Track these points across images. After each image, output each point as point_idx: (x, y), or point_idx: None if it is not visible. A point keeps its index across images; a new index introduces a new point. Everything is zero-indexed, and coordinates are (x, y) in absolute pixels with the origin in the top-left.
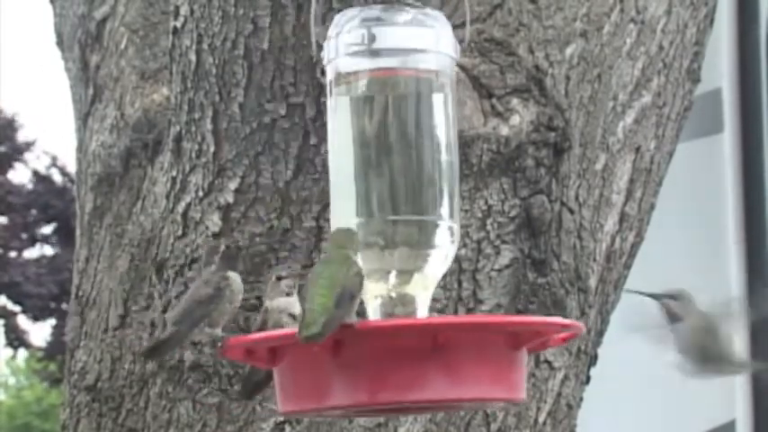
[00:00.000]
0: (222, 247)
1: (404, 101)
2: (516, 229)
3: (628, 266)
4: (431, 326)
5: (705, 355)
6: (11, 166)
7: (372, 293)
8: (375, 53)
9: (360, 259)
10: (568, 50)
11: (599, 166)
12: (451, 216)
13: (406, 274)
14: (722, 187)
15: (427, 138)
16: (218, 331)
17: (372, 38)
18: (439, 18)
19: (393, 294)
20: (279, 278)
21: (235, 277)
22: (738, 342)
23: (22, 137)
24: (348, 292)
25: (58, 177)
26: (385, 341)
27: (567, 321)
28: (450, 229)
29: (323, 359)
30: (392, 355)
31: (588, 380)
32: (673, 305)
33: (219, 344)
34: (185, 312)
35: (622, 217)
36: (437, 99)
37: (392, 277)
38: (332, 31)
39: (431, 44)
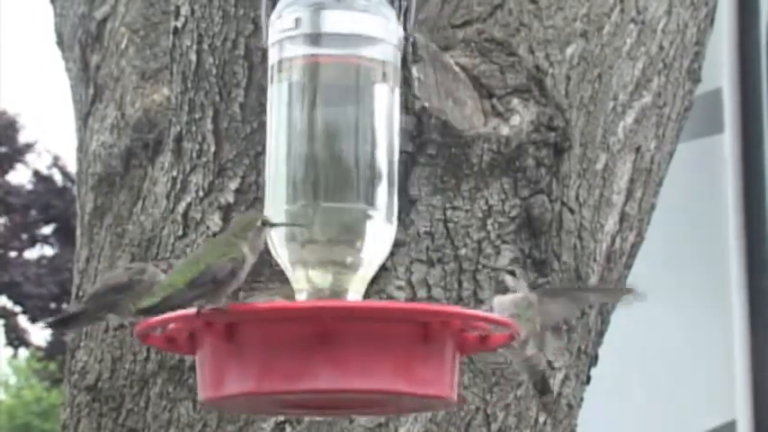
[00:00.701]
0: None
1: (340, 89)
2: (517, 229)
3: (628, 266)
4: (316, 309)
5: None
6: (12, 167)
7: (303, 284)
8: (316, 39)
9: (255, 247)
10: (569, 50)
11: (599, 166)
12: (389, 209)
13: (335, 265)
14: (722, 187)
15: (363, 127)
16: (128, 319)
17: (313, 23)
18: (383, 5)
19: (324, 286)
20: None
21: (154, 271)
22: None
23: (23, 138)
24: (210, 274)
25: (58, 177)
26: (272, 326)
27: (484, 314)
28: (386, 220)
29: (220, 346)
30: (278, 342)
31: (589, 380)
32: (507, 279)
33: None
34: (96, 294)
35: (623, 217)
36: (379, 88)
37: (321, 267)
38: (274, 15)
39: (375, 32)
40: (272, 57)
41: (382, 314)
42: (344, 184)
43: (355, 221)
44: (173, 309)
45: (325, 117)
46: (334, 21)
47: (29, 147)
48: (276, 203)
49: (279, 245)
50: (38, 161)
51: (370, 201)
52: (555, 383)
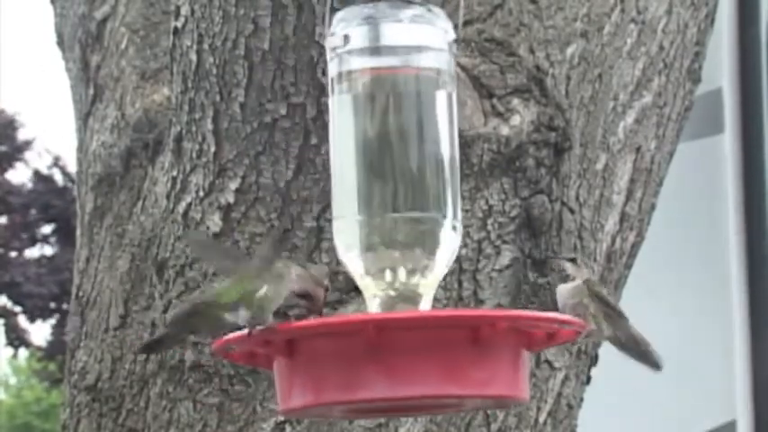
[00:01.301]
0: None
1: (405, 99)
2: (517, 229)
3: (628, 266)
4: (361, 323)
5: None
6: (11, 166)
7: (372, 292)
8: (376, 51)
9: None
10: (569, 50)
11: (599, 166)
12: (454, 214)
13: (407, 273)
14: (722, 187)
15: (429, 135)
16: (207, 340)
17: (373, 36)
18: (440, 15)
19: (396, 293)
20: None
21: None
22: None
23: (22, 136)
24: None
25: (59, 177)
26: (321, 340)
27: (529, 314)
28: (454, 227)
29: (283, 361)
30: (331, 354)
31: (589, 380)
32: (567, 266)
33: (204, 347)
34: (177, 319)
35: (623, 217)
36: (439, 97)
37: (395, 275)
38: (333, 29)
39: (432, 41)
40: (332, 69)
41: (426, 323)
42: (416, 193)
43: (427, 230)
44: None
45: (392, 127)
46: (392, 33)
47: (28, 144)
48: (347, 215)
49: (346, 253)
50: (38, 161)
51: (440, 208)
52: (555, 384)
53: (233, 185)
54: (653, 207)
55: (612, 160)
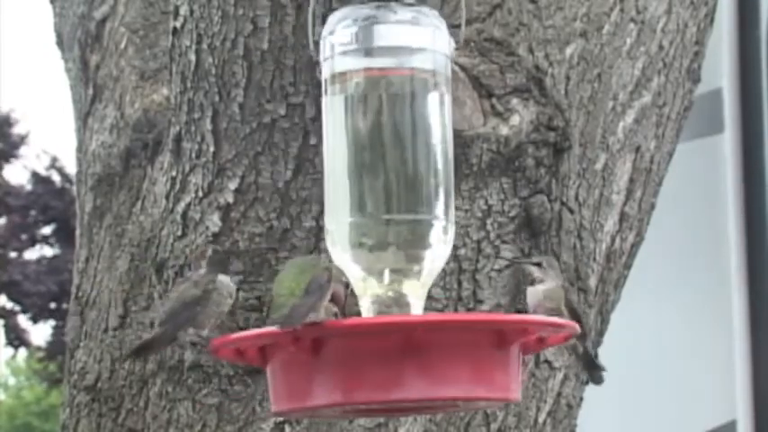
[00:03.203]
0: (210, 252)
1: (398, 100)
2: (516, 228)
3: (628, 266)
4: (406, 324)
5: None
6: (7, 161)
7: (366, 293)
8: (369, 52)
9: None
10: (568, 50)
11: (599, 166)
12: (447, 216)
13: (400, 274)
14: (722, 187)
15: (422, 137)
16: (205, 332)
17: (366, 37)
18: (434, 16)
19: (388, 294)
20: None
21: (224, 280)
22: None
23: (17, 132)
24: (317, 283)
25: (56, 178)
26: (360, 339)
27: (555, 321)
28: (445, 228)
29: (304, 358)
30: (367, 354)
31: (588, 380)
32: (533, 270)
33: (205, 345)
34: (172, 313)
35: (622, 217)
36: (432, 98)
37: (386, 277)
38: (326, 30)
39: (426, 43)
40: (325, 70)
41: (461, 325)
42: (408, 194)
43: (418, 231)
44: (301, 317)
45: (384, 128)
46: (385, 34)
47: (22, 139)
48: (339, 216)
49: (343, 253)
50: (36, 162)
51: (432, 210)
52: (555, 383)
53: (232, 185)
54: (652, 207)
55: (612, 160)
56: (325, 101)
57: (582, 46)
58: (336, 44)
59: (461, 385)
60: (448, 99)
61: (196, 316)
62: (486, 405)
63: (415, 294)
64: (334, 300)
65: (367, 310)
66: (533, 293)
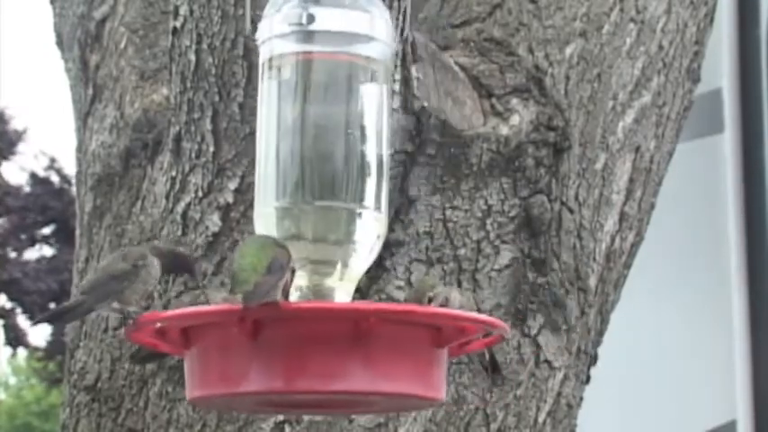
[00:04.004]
0: (181, 250)
1: (331, 86)
2: (516, 228)
3: (628, 266)
4: (354, 311)
5: None
6: (5, 158)
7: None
8: (307, 36)
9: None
10: (568, 50)
11: (599, 166)
12: (377, 207)
13: (325, 265)
14: (722, 187)
15: (354, 126)
16: (131, 309)
17: (306, 19)
18: (378, 4)
19: (311, 284)
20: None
21: (154, 261)
22: None
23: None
24: (278, 262)
25: (55, 178)
26: (306, 325)
27: (488, 319)
28: (376, 219)
29: (239, 341)
30: (312, 341)
31: (588, 380)
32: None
33: (130, 321)
34: (96, 284)
35: (622, 217)
36: (369, 87)
37: (307, 267)
38: (267, 11)
39: (367, 30)
40: (263, 54)
41: (415, 316)
42: (333, 181)
43: (343, 219)
44: (264, 294)
45: (315, 114)
46: (325, 18)
47: (19, 135)
48: (266, 200)
49: None
50: (34, 163)
51: (359, 199)
52: (555, 383)
53: (232, 185)
54: (652, 207)
55: (612, 160)
56: (260, 85)
57: (582, 46)
58: (274, 27)
59: (402, 381)
60: (386, 88)
61: (123, 290)
62: (414, 405)
63: (341, 289)
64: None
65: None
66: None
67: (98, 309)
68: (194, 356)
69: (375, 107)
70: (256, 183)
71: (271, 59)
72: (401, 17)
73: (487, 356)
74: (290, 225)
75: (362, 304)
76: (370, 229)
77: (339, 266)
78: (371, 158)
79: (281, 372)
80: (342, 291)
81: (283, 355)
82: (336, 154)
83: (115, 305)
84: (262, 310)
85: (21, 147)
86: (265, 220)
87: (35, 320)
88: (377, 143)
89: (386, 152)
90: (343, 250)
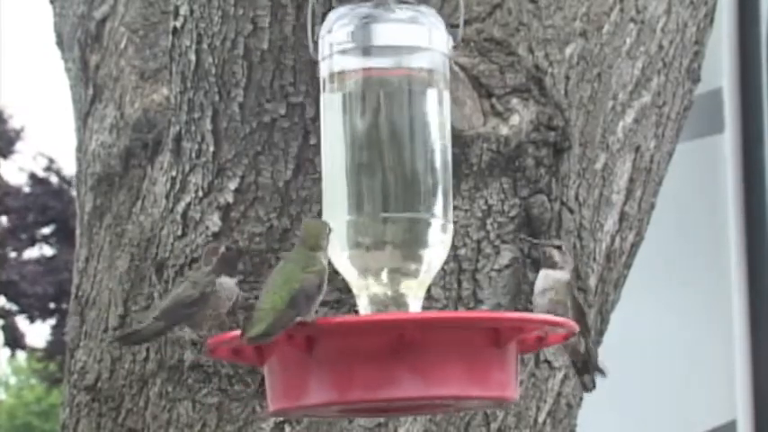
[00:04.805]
0: (222, 249)
1: (396, 99)
2: (516, 228)
3: (628, 266)
4: (395, 322)
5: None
6: (4, 157)
7: (364, 292)
8: (367, 51)
9: (327, 255)
10: (568, 50)
11: (599, 166)
12: (445, 215)
13: (397, 273)
14: (722, 187)
15: (419, 136)
16: (203, 332)
17: (364, 36)
18: (431, 15)
19: (386, 293)
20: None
21: (225, 282)
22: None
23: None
24: (303, 292)
25: (54, 179)
26: (352, 338)
27: (551, 319)
28: (444, 227)
29: (298, 358)
30: (358, 352)
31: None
32: (555, 253)
33: (200, 345)
34: (167, 310)
35: (622, 216)
36: (430, 97)
37: (384, 276)
38: (324, 29)
39: (423, 42)
40: (324, 70)
41: (456, 323)
42: (405, 193)
43: (417, 230)
44: (279, 331)
45: (382, 128)
46: (383, 33)
47: (17, 134)
48: (336, 214)
49: (341, 252)
50: (33, 164)
51: (430, 208)
52: (555, 383)
53: (232, 185)
54: (652, 206)
55: (612, 160)
56: (323, 100)
57: (582, 46)
58: (334, 43)
59: (455, 384)
60: (446, 98)
61: (192, 316)
62: (482, 404)
63: (414, 294)
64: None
65: (364, 309)
66: (545, 277)
67: (168, 332)
68: (267, 372)
69: (437, 117)
70: (324, 196)
71: (332, 75)
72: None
73: (574, 358)
74: (363, 237)
75: (398, 314)
76: (438, 237)
77: (411, 273)
78: (438, 168)
79: (334, 384)
80: (414, 296)
81: (334, 368)
82: (406, 166)
83: (187, 330)
84: (296, 329)
85: (19, 146)
86: (336, 232)
87: (113, 338)
88: (441, 152)
89: (450, 161)
90: (415, 258)
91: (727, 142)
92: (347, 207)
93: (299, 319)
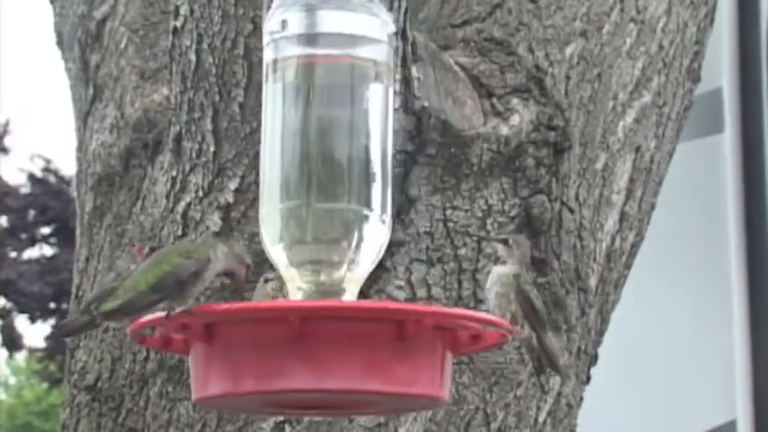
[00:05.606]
0: (146, 250)
1: (336, 89)
2: (516, 228)
3: (628, 266)
4: (286, 310)
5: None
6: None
7: (296, 285)
8: (309, 39)
9: (240, 249)
10: (568, 50)
11: (599, 166)
12: (383, 208)
13: (323, 265)
14: (722, 187)
15: (359, 128)
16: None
17: (307, 23)
18: (378, 5)
19: (316, 287)
20: (266, 280)
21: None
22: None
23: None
24: (174, 277)
25: (52, 180)
26: (244, 328)
27: (458, 311)
28: (383, 221)
29: (203, 348)
30: (252, 343)
31: (588, 379)
32: (498, 248)
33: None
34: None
35: (622, 216)
36: (373, 88)
37: (309, 267)
38: (270, 14)
39: (371, 32)
40: (267, 56)
41: (352, 313)
42: (337, 183)
43: (348, 221)
44: (136, 311)
45: (319, 117)
46: (327, 20)
47: (5, 128)
48: (271, 202)
49: (271, 244)
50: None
51: (364, 201)
52: (555, 383)
53: (232, 185)
54: (652, 207)
55: (612, 160)
56: (264, 87)
57: (582, 46)
58: (276, 30)
59: (351, 377)
60: (390, 90)
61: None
62: (413, 404)
63: (349, 288)
64: (234, 279)
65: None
66: (491, 273)
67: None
68: (190, 360)
69: (379, 109)
70: (261, 182)
71: (275, 62)
72: (401, 17)
73: (529, 354)
74: (298, 227)
75: (295, 302)
76: (373, 230)
77: (342, 267)
78: (376, 160)
79: (229, 374)
80: (347, 291)
81: (229, 357)
82: (340, 156)
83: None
84: (179, 316)
85: (9, 141)
86: (271, 221)
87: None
88: (381, 145)
89: (390, 154)
90: (345, 251)
91: (727, 142)
92: (280, 196)
93: (177, 308)
